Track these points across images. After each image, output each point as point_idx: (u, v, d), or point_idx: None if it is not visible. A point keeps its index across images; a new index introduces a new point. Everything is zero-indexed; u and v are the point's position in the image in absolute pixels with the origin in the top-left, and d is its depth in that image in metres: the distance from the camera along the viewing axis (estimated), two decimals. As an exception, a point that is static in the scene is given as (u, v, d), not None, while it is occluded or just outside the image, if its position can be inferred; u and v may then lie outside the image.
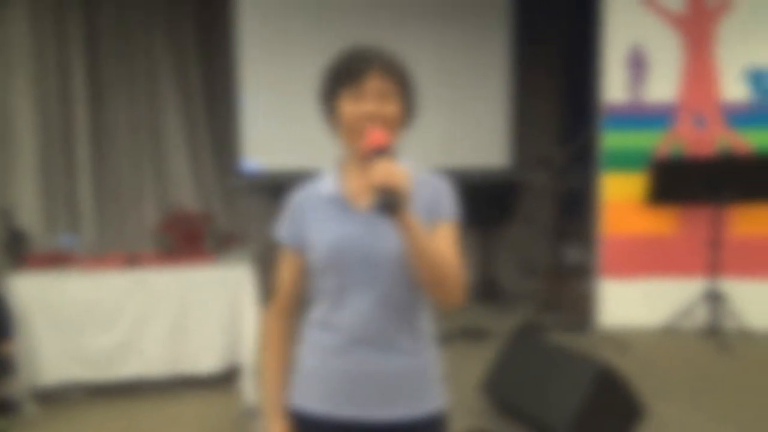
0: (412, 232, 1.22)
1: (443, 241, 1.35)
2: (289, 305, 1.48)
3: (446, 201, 1.40)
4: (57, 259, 3.66)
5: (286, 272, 1.47)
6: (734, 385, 3.79)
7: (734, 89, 4.90)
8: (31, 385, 3.46)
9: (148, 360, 3.62)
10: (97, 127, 5.21)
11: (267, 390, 1.47)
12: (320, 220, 1.39)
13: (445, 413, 1.45)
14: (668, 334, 4.78)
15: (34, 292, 3.49)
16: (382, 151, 1.24)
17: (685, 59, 4.93)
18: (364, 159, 1.29)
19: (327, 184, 1.42)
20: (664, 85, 4.94)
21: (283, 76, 5.45)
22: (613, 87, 4.95)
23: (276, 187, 5.59)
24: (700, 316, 4.78)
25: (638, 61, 4.93)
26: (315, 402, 1.39)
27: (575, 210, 5.75)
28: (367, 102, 1.33)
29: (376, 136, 1.27)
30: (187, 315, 3.66)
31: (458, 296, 1.32)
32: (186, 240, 3.86)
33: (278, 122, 5.50)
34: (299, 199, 1.45)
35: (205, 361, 3.68)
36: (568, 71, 6.11)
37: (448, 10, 5.68)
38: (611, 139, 4.97)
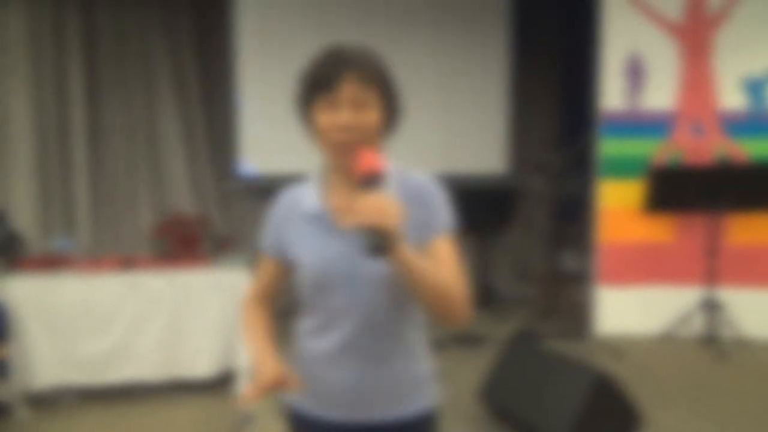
0: (408, 267, 1.16)
1: (441, 256, 1.29)
2: (264, 295, 1.49)
3: (440, 210, 1.33)
4: (52, 262, 3.64)
5: (263, 275, 1.48)
6: (731, 394, 3.79)
7: (732, 98, 4.91)
8: (24, 388, 3.43)
9: (143, 364, 3.60)
10: (93, 129, 5.19)
11: (252, 344, 1.42)
12: (304, 237, 1.35)
13: (438, 409, 1.47)
14: (665, 342, 4.77)
15: (29, 295, 3.46)
16: (375, 178, 1.15)
17: (683, 67, 4.95)
18: (355, 183, 1.21)
19: (310, 198, 1.36)
20: (662, 93, 4.95)
21: (280, 79, 5.43)
22: (611, 94, 4.96)
23: (273, 191, 5.56)
24: (697, 324, 4.78)
25: (636, 69, 4.94)
26: (310, 404, 1.41)
27: (572, 216, 5.75)
28: (342, 111, 1.24)
29: (368, 160, 1.17)
30: (182, 319, 3.64)
31: (463, 316, 1.28)
32: (182, 243, 3.85)
33: (275, 126, 5.48)
34: (282, 210, 1.41)
35: (200, 365, 3.65)
36: (565, 78, 6.13)
37: (447, 17, 5.69)
38: (609, 146, 4.98)
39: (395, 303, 1.31)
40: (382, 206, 1.11)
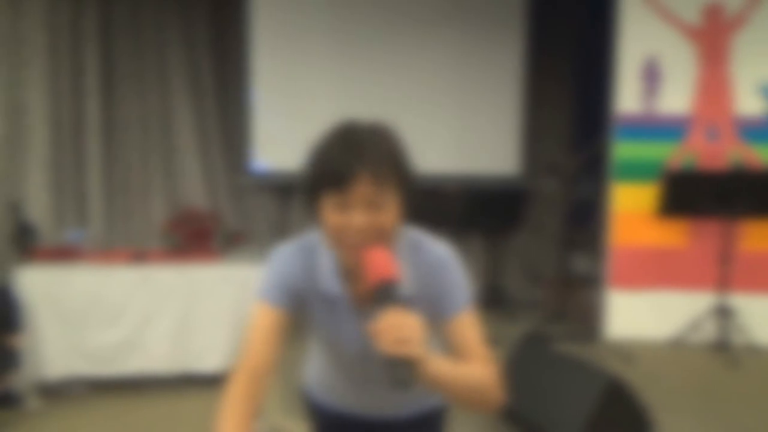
0: (437, 384, 1.10)
1: (463, 341, 1.23)
2: (260, 370, 1.25)
3: (456, 287, 1.25)
4: (64, 254, 3.66)
5: (263, 333, 1.26)
6: (742, 401, 3.75)
7: (748, 103, 4.87)
8: (35, 378, 3.46)
9: (153, 357, 3.62)
10: (108, 122, 5.22)
11: None
12: (321, 315, 1.30)
13: (447, 405, 1.53)
14: (676, 348, 4.73)
15: (41, 286, 3.48)
16: (388, 290, 1.06)
17: (699, 72, 4.91)
18: (368, 295, 1.13)
19: (327, 280, 1.25)
20: (677, 97, 4.91)
21: (294, 75, 5.46)
22: (627, 97, 4.92)
23: (284, 188, 5.61)
24: (709, 330, 4.74)
25: (653, 73, 4.91)
26: (325, 397, 1.49)
27: (584, 219, 5.72)
28: (355, 214, 1.11)
29: (379, 268, 1.07)
30: (192, 313, 3.65)
31: (496, 403, 1.23)
32: (194, 238, 3.86)
33: (288, 122, 5.51)
34: (297, 276, 1.27)
35: (210, 359, 3.67)
36: (581, 80, 6.10)
37: (462, 16, 5.68)
38: (623, 150, 4.94)
39: None
40: (402, 333, 1.00)
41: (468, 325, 1.24)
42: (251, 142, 5.50)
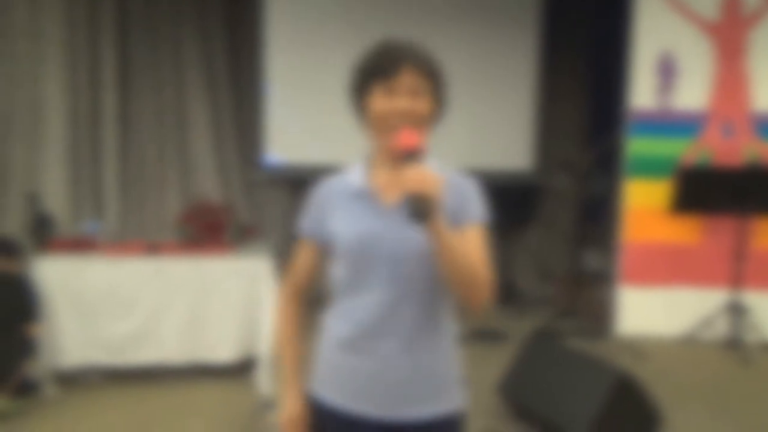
0: (442, 238, 1.21)
1: (470, 244, 1.34)
2: (300, 290, 1.51)
3: (473, 203, 1.39)
4: (80, 245, 3.71)
5: (300, 261, 1.49)
6: (753, 399, 3.73)
7: (766, 99, 4.81)
8: (51, 367, 3.52)
9: (166, 347, 3.66)
10: (124, 116, 5.27)
11: (285, 371, 1.48)
12: (345, 212, 1.38)
13: (464, 413, 1.44)
14: (687, 345, 4.71)
15: (57, 276, 3.54)
16: (413, 154, 1.23)
17: (716, 67, 4.86)
18: (395, 160, 1.30)
19: (355, 178, 1.40)
20: (693, 93, 4.87)
21: (308, 69, 5.47)
22: (642, 93, 4.89)
23: (297, 182, 5.64)
24: (721, 327, 4.71)
25: (668, 68, 4.87)
26: (335, 395, 1.39)
27: (597, 215, 5.70)
28: (399, 98, 1.31)
29: (407, 137, 1.24)
30: (205, 305, 3.69)
31: (485, 298, 1.31)
32: (207, 230, 3.90)
33: (302, 116, 5.52)
34: (324, 191, 1.44)
35: (222, 350, 3.71)
36: (595, 75, 6.06)
37: (476, 11, 5.66)
38: (637, 146, 4.91)
39: (432, 282, 1.33)
40: (423, 176, 1.17)
41: (477, 237, 1.36)
42: (265, 136, 5.53)
